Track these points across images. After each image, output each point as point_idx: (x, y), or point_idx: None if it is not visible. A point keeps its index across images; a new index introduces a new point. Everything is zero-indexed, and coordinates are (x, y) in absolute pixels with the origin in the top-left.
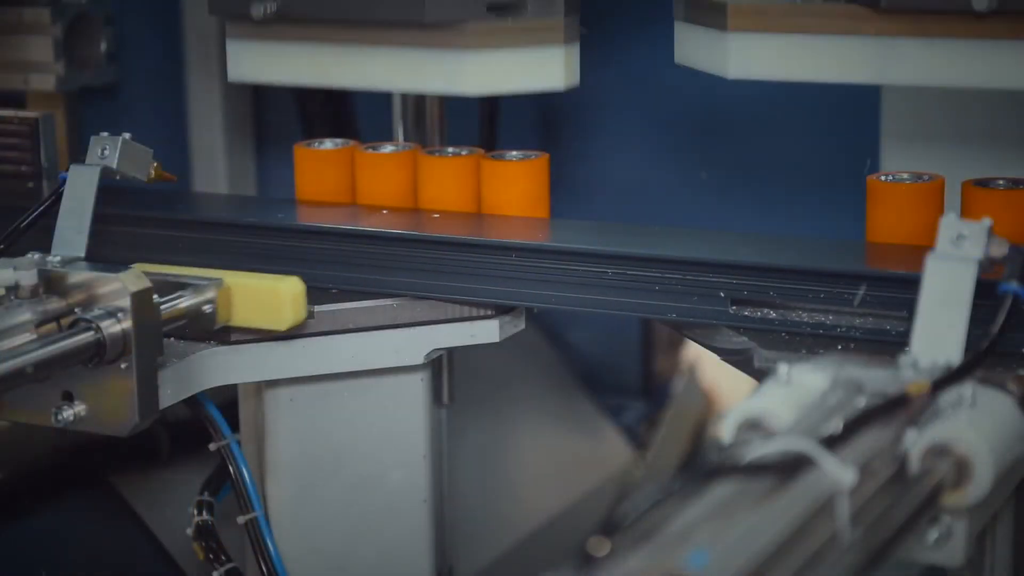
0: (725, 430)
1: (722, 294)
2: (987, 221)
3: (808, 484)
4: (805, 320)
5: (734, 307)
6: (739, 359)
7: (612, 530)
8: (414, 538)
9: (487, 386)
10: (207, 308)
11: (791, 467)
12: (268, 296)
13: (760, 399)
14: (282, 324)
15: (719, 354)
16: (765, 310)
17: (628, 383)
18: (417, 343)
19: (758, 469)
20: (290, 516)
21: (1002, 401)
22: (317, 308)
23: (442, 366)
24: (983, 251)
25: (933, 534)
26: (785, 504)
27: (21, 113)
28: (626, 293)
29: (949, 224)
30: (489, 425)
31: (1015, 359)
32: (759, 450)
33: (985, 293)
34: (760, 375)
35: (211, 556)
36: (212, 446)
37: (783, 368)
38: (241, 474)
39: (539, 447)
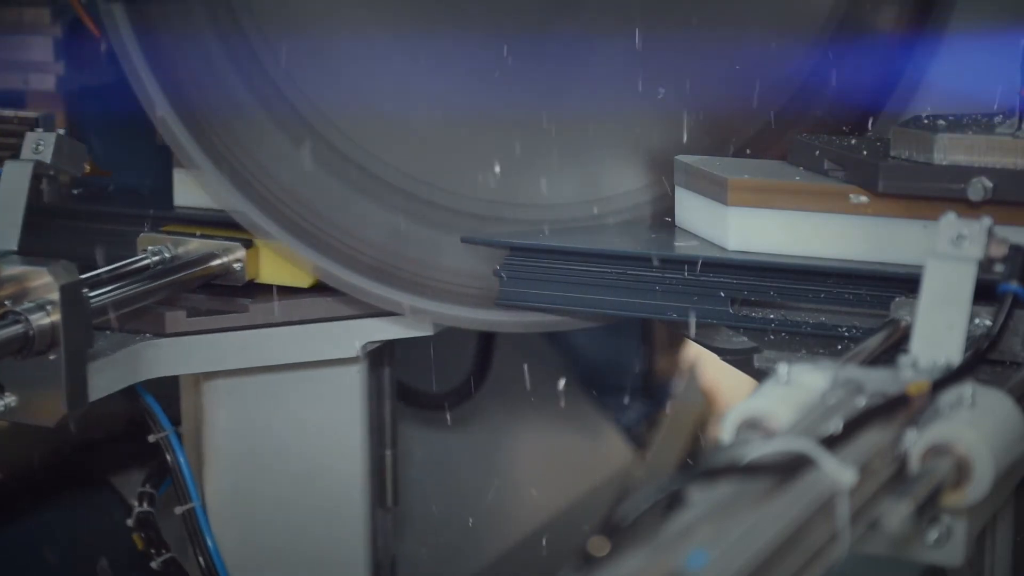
0: (725, 430)
1: (722, 294)
2: (987, 220)
3: (808, 484)
4: (805, 320)
5: (734, 307)
6: (739, 359)
7: (612, 530)
8: (350, 530)
9: (487, 386)
10: (237, 265)
11: (791, 467)
12: None
13: (760, 399)
14: (306, 280)
15: (719, 354)
16: (765, 310)
17: (628, 383)
18: (352, 336)
19: (758, 469)
20: (228, 507)
21: (1002, 401)
22: (252, 303)
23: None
24: (983, 251)
25: (933, 534)
26: (785, 504)
27: (21, 113)
28: (626, 293)
29: (949, 224)
30: (489, 425)
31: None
32: (759, 450)
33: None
34: (760, 375)
35: (150, 546)
36: (151, 438)
37: (783, 368)
38: (179, 465)
39: (539, 447)
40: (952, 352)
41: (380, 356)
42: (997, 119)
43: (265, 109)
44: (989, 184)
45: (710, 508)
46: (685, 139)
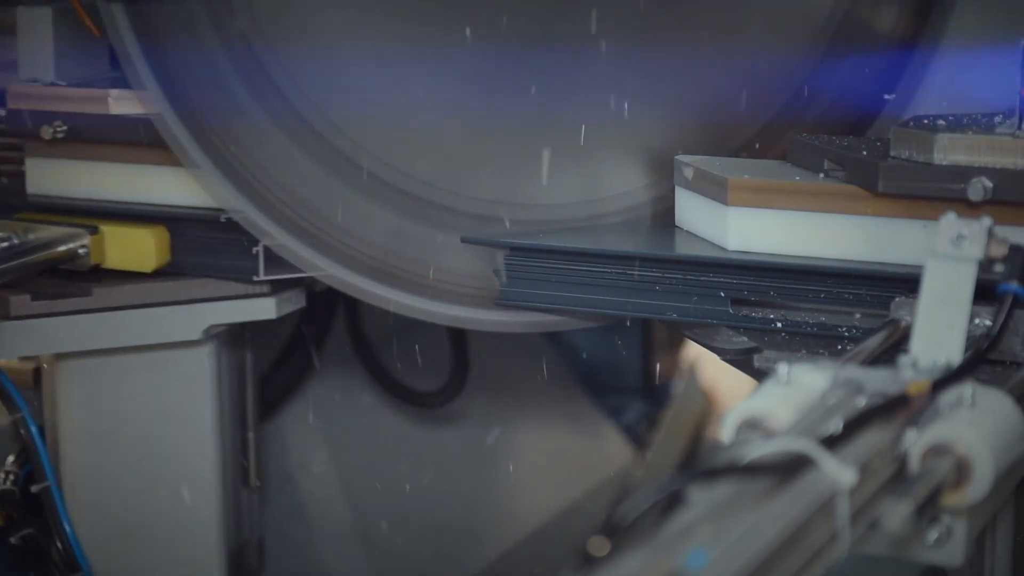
0: (725, 430)
1: (722, 294)
2: (987, 221)
3: (808, 484)
4: (806, 320)
5: (734, 307)
6: (739, 359)
7: (612, 530)
8: (203, 510)
9: (487, 386)
10: (82, 251)
11: (791, 467)
12: (137, 240)
13: (760, 399)
14: (148, 266)
15: (719, 354)
16: (765, 310)
17: (628, 383)
18: (194, 319)
19: (758, 469)
20: (84, 487)
21: (1002, 401)
22: (96, 287)
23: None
24: (983, 251)
25: (933, 534)
26: (785, 504)
27: None
28: (626, 293)
29: (949, 224)
30: (489, 425)
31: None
32: (759, 450)
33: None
34: (760, 375)
35: (10, 523)
36: (8, 418)
37: (783, 368)
38: (35, 445)
39: (539, 447)
40: (952, 352)
41: (240, 339)
42: (997, 119)
43: (265, 109)
44: (989, 184)
45: (710, 508)
46: (685, 139)
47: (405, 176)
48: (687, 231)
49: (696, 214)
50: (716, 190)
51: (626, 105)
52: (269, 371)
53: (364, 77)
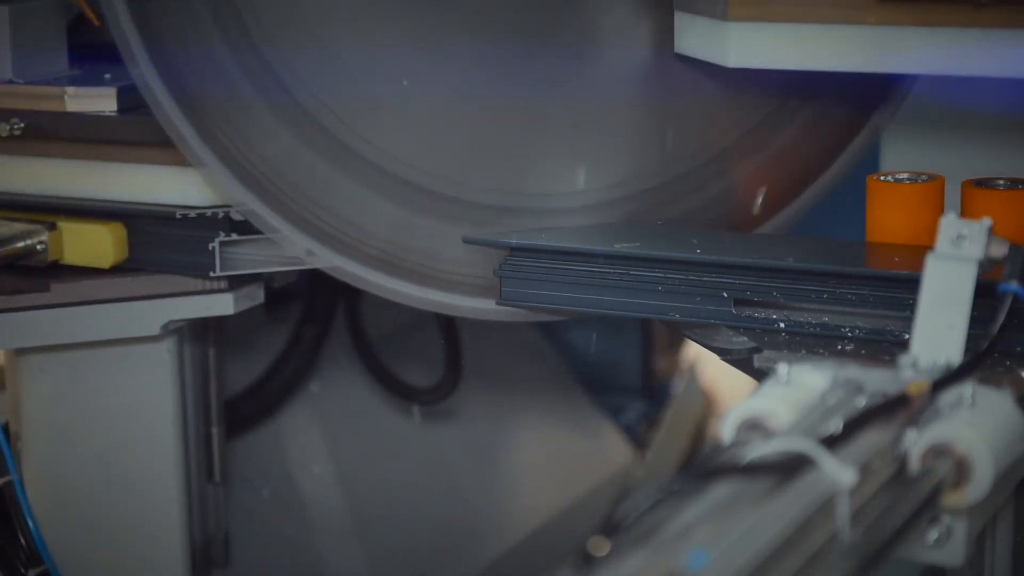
0: (725, 430)
1: (724, 294)
2: (987, 221)
3: (808, 484)
4: (809, 320)
5: (736, 307)
6: (739, 359)
7: (612, 530)
8: (164, 506)
9: (487, 386)
10: (40, 247)
11: (791, 467)
12: (95, 237)
13: (760, 399)
14: (106, 262)
15: (719, 354)
16: (768, 310)
17: (628, 383)
18: (152, 314)
19: (758, 469)
20: (45, 481)
21: (1002, 401)
22: (54, 284)
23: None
24: (983, 251)
25: (933, 534)
26: (785, 504)
27: None
28: (628, 293)
29: (949, 224)
30: (489, 425)
31: (1015, 358)
32: (759, 450)
33: (985, 293)
34: (760, 375)
35: None
36: None
37: (783, 368)
38: None
39: (539, 447)
40: (952, 352)
41: (204, 334)
42: None
43: (270, 105)
44: None
45: (710, 508)
46: (686, 140)
47: (411, 168)
48: (687, 56)
49: (694, 35)
50: (715, 6)
51: (632, 102)
52: (269, 371)
53: (370, 71)
